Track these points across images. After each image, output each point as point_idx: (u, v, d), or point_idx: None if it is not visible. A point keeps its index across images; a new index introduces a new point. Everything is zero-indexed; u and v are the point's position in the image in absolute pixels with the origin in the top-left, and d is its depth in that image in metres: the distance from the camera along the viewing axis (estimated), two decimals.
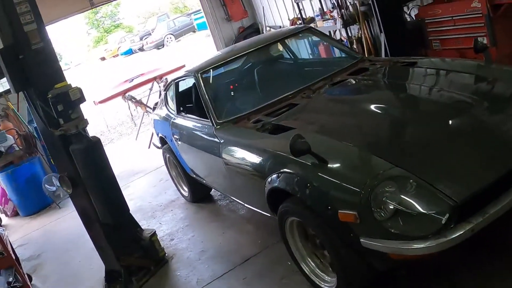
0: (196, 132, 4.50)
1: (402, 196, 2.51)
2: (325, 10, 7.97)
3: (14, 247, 6.51)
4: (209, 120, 4.17)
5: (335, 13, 7.37)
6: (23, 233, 7.04)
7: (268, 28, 9.61)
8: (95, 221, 4.28)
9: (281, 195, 3.14)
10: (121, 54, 32.75)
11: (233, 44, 9.74)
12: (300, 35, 5.09)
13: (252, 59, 4.73)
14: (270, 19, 9.68)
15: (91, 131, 12.99)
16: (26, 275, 5.08)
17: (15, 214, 7.85)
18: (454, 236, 2.40)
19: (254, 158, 3.51)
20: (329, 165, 2.80)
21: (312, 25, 8.05)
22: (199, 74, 4.42)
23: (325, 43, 5.05)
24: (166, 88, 5.53)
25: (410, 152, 2.85)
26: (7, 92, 8.05)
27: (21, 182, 7.54)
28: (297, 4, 8.10)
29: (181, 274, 4.35)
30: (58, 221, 7.05)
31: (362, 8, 6.77)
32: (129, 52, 31.81)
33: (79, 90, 3.86)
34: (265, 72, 4.62)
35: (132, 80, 9.61)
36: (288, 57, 4.93)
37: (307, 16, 8.48)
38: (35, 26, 3.77)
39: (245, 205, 4.14)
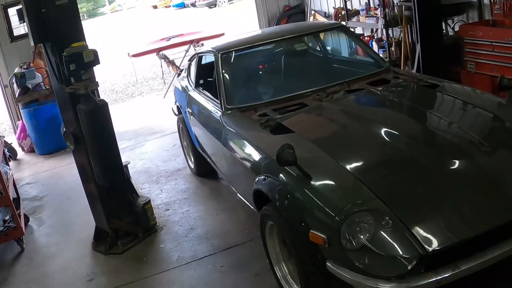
0: (206, 111, 4.49)
1: (375, 232, 2.46)
2: (371, 5, 7.76)
3: (22, 183, 6.76)
4: (219, 103, 4.16)
5: (379, 12, 7.16)
6: (34, 171, 7.25)
7: (312, 12, 9.43)
8: (91, 180, 4.37)
9: (265, 197, 3.12)
10: (173, 6, 32.74)
11: (275, 22, 9.67)
12: (331, 32, 4.97)
13: (276, 48, 4.67)
14: (317, 3, 9.48)
15: (123, 79, 13.18)
16: (23, 216, 5.26)
17: (31, 150, 8.06)
18: (418, 284, 2.34)
19: (250, 154, 3.50)
20: (312, 181, 2.76)
21: (355, 19, 7.90)
22: (219, 54, 4.39)
23: (354, 45, 4.89)
24: (191, 59, 5.50)
25: (400, 186, 2.74)
26: None
27: (41, 121, 7.70)
28: None
29: (165, 248, 4.42)
30: (68, 166, 7.16)
31: (406, 12, 6.55)
32: (181, 5, 31.74)
33: (93, 53, 3.89)
34: (286, 65, 4.54)
35: (169, 39, 9.61)
36: (313, 52, 4.83)
37: (353, 8, 8.28)
38: None
39: (237, 194, 4.15)
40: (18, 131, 8.10)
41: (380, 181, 2.77)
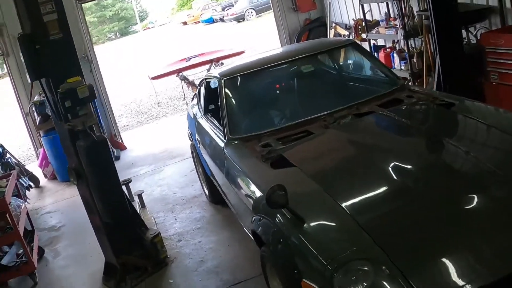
0: (212, 140, 4.36)
1: (372, 283, 2.23)
2: (390, 16, 7.49)
3: (43, 212, 6.77)
4: (222, 132, 4.01)
5: (398, 22, 6.89)
6: (55, 199, 7.25)
7: (333, 24, 9.21)
8: (96, 215, 4.27)
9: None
10: (202, 22, 32.94)
11: (295, 37, 9.49)
12: (342, 49, 4.76)
13: (283, 71, 4.48)
14: (337, 15, 9.26)
15: (149, 100, 13.09)
16: (36, 249, 5.22)
17: (53, 177, 8.09)
18: None
19: (248, 189, 3.34)
20: (305, 225, 2.56)
21: (375, 30, 7.65)
22: (223, 80, 4.24)
23: (366, 62, 4.66)
24: (200, 83, 5.39)
25: (404, 231, 2.48)
26: None
27: (60, 149, 7.68)
28: (362, 6, 7.64)
29: (174, 282, 4.28)
30: None
31: (426, 22, 6.26)
32: (210, 20, 31.93)
33: (88, 88, 3.80)
34: (293, 89, 4.39)
35: (189, 59, 9.56)
36: (321, 74, 4.62)
37: (373, 19, 8.02)
38: (56, 17, 3.70)
39: (243, 226, 3.98)
40: (39, 159, 8.16)
41: (381, 224, 2.53)
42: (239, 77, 4.28)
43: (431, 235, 2.41)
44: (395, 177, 2.86)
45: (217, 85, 4.37)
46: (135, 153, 8.62)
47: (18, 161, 7.83)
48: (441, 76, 5.57)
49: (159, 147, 8.52)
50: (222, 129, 4.04)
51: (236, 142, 3.85)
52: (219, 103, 4.22)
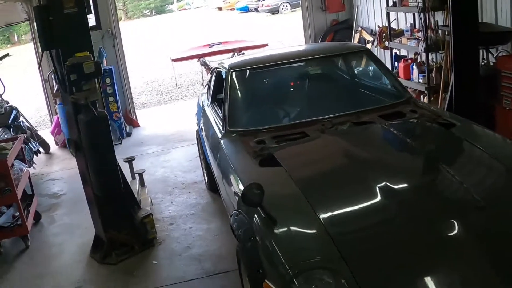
0: (212, 129, 4.41)
1: None
2: (416, 27, 7.42)
3: (47, 178, 6.91)
4: (222, 123, 4.06)
5: (421, 34, 6.82)
6: (61, 167, 7.39)
7: (359, 28, 9.15)
8: (90, 188, 4.37)
9: None
10: (237, 9, 32.91)
11: (321, 37, 9.46)
12: (354, 55, 4.75)
13: (292, 70, 4.50)
14: (364, 19, 9.19)
15: (172, 81, 13.08)
16: (33, 213, 5.34)
17: (64, 145, 8.22)
18: None
19: (233, 184, 3.37)
20: (276, 227, 2.59)
21: (397, 40, 7.59)
22: (231, 72, 4.28)
23: (376, 71, 4.64)
24: (212, 72, 5.43)
25: (374, 250, 2.43)
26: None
27: None
28: (388, 13, 7.58)
29: (157, 264, 4.36)
30: None
31: (448, 37, 6.19)
32: (245, 9, 31.85)
33: (95, 64, 3.86)
34: (298, 89, 4.41)
35: (212, 46, 9.58)
36: (329, 77, 4.63)
37: (398, 28, 7.95)
38: None
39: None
40: (53, 126, 8.31)
41: (352, 240, 2.52)
42: (246, 71, 4.32)
43: (401, 259, 2.38)
44: (378, 195, 2.79)
45: (224, 76, 4.40)
46: (147, 131, 8.72)
47: (31, 125, 7.99)
48: (453, 94, 5.51)
49: (171, 129, 8.60)
50: (222, 120, 4.08)
51: (234, 135, 3.89)
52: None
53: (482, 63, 5.88)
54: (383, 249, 2.43)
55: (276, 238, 2.55)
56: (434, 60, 7.06)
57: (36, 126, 9.18)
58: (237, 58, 4.71)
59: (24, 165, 5.67)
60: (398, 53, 7.91)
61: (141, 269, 4.29)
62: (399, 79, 7.42)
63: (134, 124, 8.96)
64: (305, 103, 4.24)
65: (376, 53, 8.93)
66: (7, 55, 7.78)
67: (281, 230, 2.59)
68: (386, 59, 8.10)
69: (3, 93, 7.41)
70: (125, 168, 6.01)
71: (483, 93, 5.54)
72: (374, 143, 3.57)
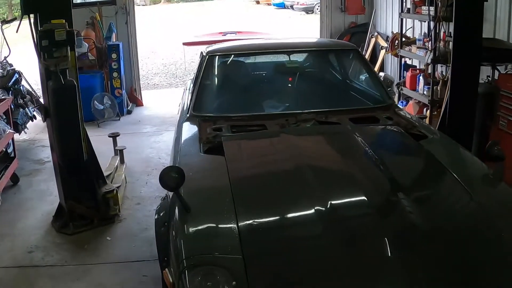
0: (181, 112, 4.33)
1: None
2: (428, 36, 7.19)
3: (38, 145, 6.96)
4: (188, 107, 3.99)
5: (429, 45, 6.61)
6: None
7: (375, 33, 8.94)
8: (55, 156, 4.35)
9: None
10: (273, 5, 32.75)
11: (336, 38, 9.28)
12: (343, 54, 4.60)
13: (269, 61, 4.39)
14: (382, 25, 8.98)
15: (190, 66, 13.02)
16: (9, 175, 5.37)
17: None
18: None
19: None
20: (187, 216, 2.48)
21: (409, 48, 7.38)
22: (207, 56, 4.20)
23: (363, 73, 4.49)
24: (200, 57, 5.35)
25: (282, 264, 2.27)
26: (102, 3, 8.39)
27: None
28: (401, 20, 7.37)
29: (110, 241, 4.32)
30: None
31: None
32: (282, 5, 31.61)
33: (67, 33, 3.83)
34: (271, 80, 4.28)
35: (226, 34, 9.52)
36: (308, 72, 4.48)
37: (413, 37, 7.73)
38: None
39: None
40: None
41: (262, 247, 2.36)
42: (222, 57, 4.23)
43: (304, 274, 2.22)
44: (310, 209, 2.53)
45: (200, 60, 4.32)
46: (148, 111, 8.71)
47: (34, 91, 8.03)
48: (447, 109, 5.30)
49: (171, 112, 8.53)
50: (189, 104, 4.00)
51: (196, 119, 3.80)
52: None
53: (486, 81, 5.66)
54: (290, 265, 2.26)
55: (184, 226, 2.44)
56: (444, 73, 6.82)
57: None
58: (221, 44, 4.57)
59: (8, 126, 5.70)
60: (406, 62, 7.68)
61: (93, 243, 4.25)
62: (405, 88, 7.34)
63: (138, 103, 8.97)
64: (276, 96, 4.10)
65: (388, 61, 8.77)
66: (15, 19, 7.82)
67: (191, 219, 2.46)
68: (395, 67, 7.90)
69: (8, 55, 7.47)
70: (109, 143, 6.05)
71: (480, 112, 5.33)
72: (329, 147, 3.39)
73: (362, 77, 4.44)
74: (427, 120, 6.34)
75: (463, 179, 2.84)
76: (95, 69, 8.25)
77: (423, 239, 2.37)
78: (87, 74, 7.93)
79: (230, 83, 4.29)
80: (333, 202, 2.55)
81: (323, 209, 2.49)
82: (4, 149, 5.61)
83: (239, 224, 2.39)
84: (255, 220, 2.48)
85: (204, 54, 4.35)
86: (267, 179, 2.94)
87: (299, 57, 4.40)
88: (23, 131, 6.81)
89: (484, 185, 2.93)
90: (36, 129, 7.57)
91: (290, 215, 2.57)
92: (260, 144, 3.36)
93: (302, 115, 3.69)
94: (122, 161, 5.75)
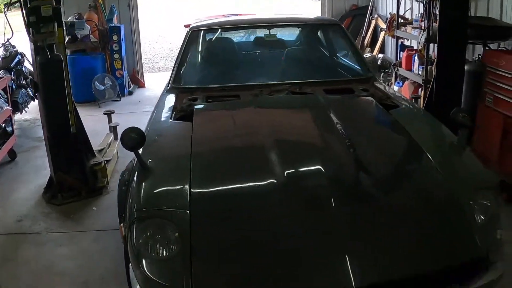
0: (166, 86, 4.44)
1: (160, 245, 2.26)
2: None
3: (39, 123, 7.09)
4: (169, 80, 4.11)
5: (423, 24, 6.61)
6: None
7: (376, 15, 8.93)
8: (45, 131, 4.51)
9: None
10: None
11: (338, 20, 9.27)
12: (326, 29, 4.65)
13: (252, 35, 4.48)
14: (383, 7, 8.96)
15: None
16: (6, 150, 5.55)
17: None
18: None
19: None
20: (144, 173, 2.59)
21: (405, 28, 7.38)
22: (190, 31, 4.29)
23: (344, 47, 4.53)
24: None
25: (230, 218, 2.35)
26: None
27: (77, 70, 8.03)
28: (398, 0, 7.36)
29: (96, 211, 4.47)
30: (89, 118, 7.42)
31: None
32: None
33: (53, 9, 3.96)
34: (251, 54, 4.37)
35: (228, 16, 9.57)
36: (289, 45, 4.55)
37: (411, 18, 7.72)
38: None
39: None
40: None
41: (210, 202, 2.43)
42: (204, 32, 4.31)
43: (247, 237, 2.28)
44: (265, 176, 2.54)
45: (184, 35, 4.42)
46: (149, 93, 8.84)
47: None
48: (434, 87, 5.32)
49: None
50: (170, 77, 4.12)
51: (175, 91, 3.91)
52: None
53: (476, 59, 5.66)
54: (234, 225, 2.33)
55: (137, 183, 2.55)
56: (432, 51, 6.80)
57: None
58: (206, 21, 4.66)
59: (6, 104, 5.88)
60: (403, 43, 7.68)
61: (79, 213, 4.41)
62: (401, 68, 7.35)
63: (140, 84, 9.11)
64: (254, 69, 4.18)
65: (388, 43, 8.76)
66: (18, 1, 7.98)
67: (146, 177, 2.57)
68: (392, 48, 7.91)
69: (11, 37, 7.64)
70: (107, 122, 6.19)
71: (468, 90, 5.33)
72: (296, 117, 3.40)
73: (344, 51, 4.48)
74: (420, 100, 6.38)
75: (425, 145, 2.87)
76: (98, 51, 8.40)
77: (374, 198, 2.47)
78: (86, 56, 8.09)
79: (210, 57, 4.38)
80: (288, 171, 2.53)
81: (278, 177, 2.50)
82: (3, 126, 5.81)
83: (191, 185, 2.47)
84: (208, 183, 2.56)
85: (188, 30, 4.43)
86: (228, 147, 2.97)
87: (281, 33, 4.46)
88: (24, 111, 6.98)
89: (446, 151, 2.98)
90: (38, 109, 7.72)
91: (243, 182, 2.60)
92: (228, 113, 3.43)
93: (277, 86, 3.77)
94: (116, 137, 5.88)
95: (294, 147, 2.88)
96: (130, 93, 8.63)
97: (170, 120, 3.29)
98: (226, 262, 2.19)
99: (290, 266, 2.15)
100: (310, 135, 2.98)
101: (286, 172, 2.52)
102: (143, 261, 2.22)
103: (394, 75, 7.66)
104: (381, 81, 4.65)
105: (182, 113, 3.40)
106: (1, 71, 6.94)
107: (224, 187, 2.55)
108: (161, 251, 2.23)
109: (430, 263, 2.24)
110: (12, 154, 5.79)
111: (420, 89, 6.84)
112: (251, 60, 4.34)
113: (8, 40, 7.49)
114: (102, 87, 7.95)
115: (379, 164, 2.75)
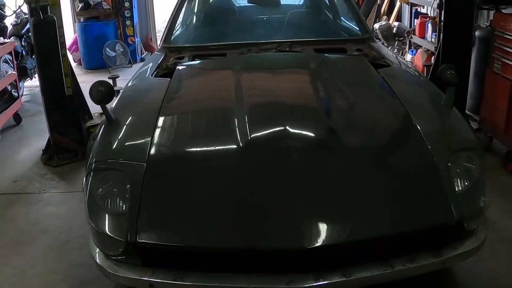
0: None
1: (113, 195, 2.24)
2: None
3: None
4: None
5: None
6: None
7: None
8: (41, 92, 4.54)
9: None
10: None
11: None
12: None
13: None
14: None
15: None
16: (11, 113, 5.63)
17: (79, 63, 8.52)
18: (126, 276, 2.12)
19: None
20: (110, 126, 2.58)
21: None
22: None
23: (343, 7, 4.39)
24: None
25: (181, 169, 2.32)
26: None
27: (90, 37, 8.08)
28: None
29: None
30: None
31: None
32: None
33: None
34: (247, 12, 4.29)
35: None
36: (285, 3, 4.47)
37: None
38: None
39: None
40: (71, 43, 8.58)
41: (169, 157, 2.41)
42: None
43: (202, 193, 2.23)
44: (231, 138, 2.43)
45: None
46: None
47: None
48: (441, 53, 5.13)
49: None
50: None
51: (164, 50, 3.88)
52: None
53: (487, 24, 5.42)
54: (188, 180, 2.28)
55: (101, 136, 2.55)
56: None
57: None
58: None
59: (11, 69, 5.94)
60: (417, 10, 7.44)
61: (72, 174, 4.44)
62: (414, 36, 7.12)
63: (153, 51, 9.05)
64: (246, 28, 4.09)
65: (405, 11, 8.49)
66: None
67: (110, 130, 2.56)
68: (409, 16, 7.67)
69: (22, 4, 7.67)
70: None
71: (478, 57, 5.14)
72: (277, 75, 3.18)
73: (342, 11, 4.34)
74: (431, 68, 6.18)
75: (409, 103, 2.72)
76: (111, 18, 8.40)
77: (341, 157, 2.34)
78: (98, 23, 8.11)
79: (203, 17, 4.30)
80: (253, 132, 2.43)
81: (241, 137, 2.41)
82: (9, 90, 5.89)
83: (153, 140, 2.44)
84: (170, 139, 2.54)
85: None
86: (198, 105, 2.89)
87: None
88: (34, 76, 7.04)
89: (430, 110, 2.80)
90: None
91: (205, 140, 2.53)
92: (207, 72, 3.39)
93: (266, 45, 3.68)
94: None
95: (264, 107, 2.75)
96: (143, 60, 8.61)
97: (150, 77, 3.26)
98: (173, 217, 2.14)
99: (241, 224, 2.08)
100: (284, 94, 2.83)
101: (249, 132, 2.42)
102: (94, 212, 2.22)
103: (408, 43, 7.44)
104: (383, 44, 4.50)
105: (166, 71, 3.37)
106: (12, 37, 7.01)
107: (185, 144, 2.50)
108: (112, 203, 2.20)
109: (391, 226, 2.12)
110: (17, 118, 5.87)
111: (433, 57, 6.62)
112: (244, 20, 4.24)
113: (19, 7, 7.52)
114: (113, 54, 7.95)
115: (353, 123, 2.64)
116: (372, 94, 3.05)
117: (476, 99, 5.24)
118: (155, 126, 2.54)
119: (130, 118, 2.68)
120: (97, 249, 2.24)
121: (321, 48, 3.68)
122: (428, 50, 6.81)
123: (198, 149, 2.48)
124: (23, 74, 6.54)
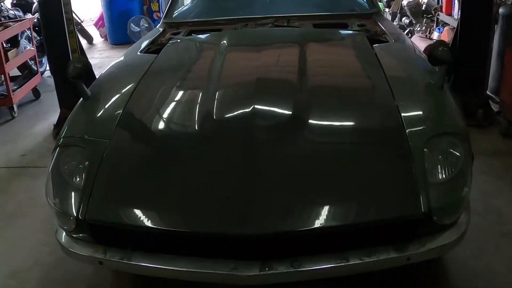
0: None
1: (73, 170, 2.22)
2: None
3: None
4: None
5: None
6: (95, 56, 7.80)
7: None
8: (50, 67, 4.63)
9: None
10: None
11: None
12: None
13: None
14: None
15: None
16: (29, 88, 5.75)
17: (105, 38, 8.63)
18: (79, 253, 2.14)
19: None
20: (82, 103, 2.62)
21: None
22: None
23: None
24: None
25: (147, 147, 2.33)
26: None
27: (114, 13, 8.15)
28: None
29: None
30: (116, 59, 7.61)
31: None
32: None
33: None
34: None
35: None
36: None
37: None
38: None
39: None
40: (97, 19, 8.70)
41: (133, 135, 2.39)
42: None
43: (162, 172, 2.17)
44: (202, 120, 2.35)
45: None
46: None
47: (77, 17, 8.37)
48: (459, 32, 4.89)
49: None
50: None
51: (164, 25, 3.88)
52: None
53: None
54: (146, 164, 2.25)
55: (74, 112, 2.58)
56: None
57: (83, 20, 9.59)
58: None
59: (30, 44, 6.05)
60: None
61: None
62: (441, 13, 6.83)
63: None
64: (248, 2, 4.01)
65: None
66: None
67: (83, 106, 2.58)
68: None
69: None
70: None
71: (502, 34, 4.88)
72: (265, 51, 3.04)
73: None
74: None
75: (396, 82, 2.56)
76: None
77: (307, 139, 2.23)
78: None
79: None
80: (222, 112, 2.37)
81: (209, 117, 2.34)
82: (29, 65, 6.02)
83: (121, 116, 2.43)
84: (138, 116, 2.50)
85: None
86: (175, 83, 2.77)
87: None
88: None
89: (418, 90, 2.60)
90: None
91: (174, 122, 2.49)
92: (195, 48, 3.36)
93: (263, 20, 3.62)
94: None
95: (237, 86, 2.69)
96: None
97: (138, 53, 3.24)
98: (123, 197, 2.11)
99: (185, 207, 2.02)
100: (263, 70, 2.73)
101: (216, 112, 2.36)
102: (55, 187, 2.22)
103: (436, 21, 7.16)
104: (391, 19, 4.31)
105: (158, 46, 3.36)
106: (36, 13, 7.15)
107: (151, 123, 2.45)
108: (71, 179, 2.19)
109: (348, 216, 1.98)
110: (36, 93, 5.99)
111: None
112: None
113: None
114: (138, 29, 7.99)
115: (327, 101, 2.51)
116: (357, 71, 2.90)
117: (497, 81, 5.02)
118: (126, 104, 2.52)
119: (105, 94, 2.68)
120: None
121: (320, 23, 3.56)
122: (454, 28, 6.51)
123: (163, 128, 2.45)
124: (43, 49, 6.66)
